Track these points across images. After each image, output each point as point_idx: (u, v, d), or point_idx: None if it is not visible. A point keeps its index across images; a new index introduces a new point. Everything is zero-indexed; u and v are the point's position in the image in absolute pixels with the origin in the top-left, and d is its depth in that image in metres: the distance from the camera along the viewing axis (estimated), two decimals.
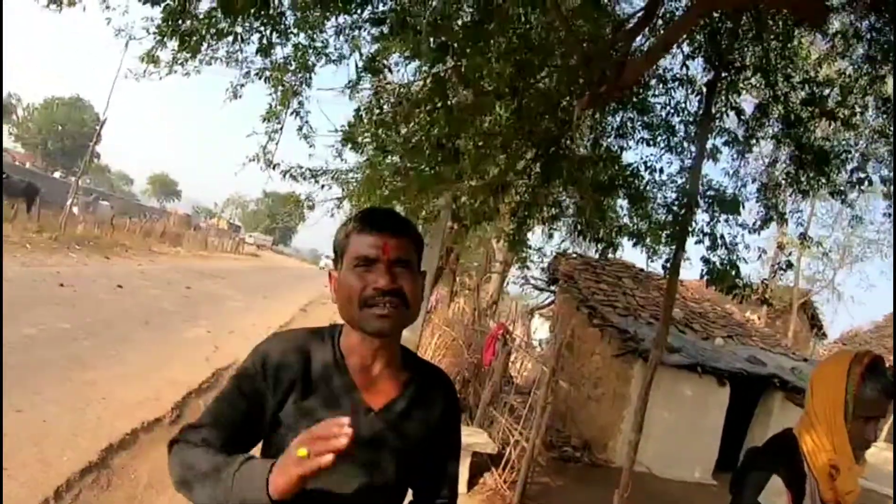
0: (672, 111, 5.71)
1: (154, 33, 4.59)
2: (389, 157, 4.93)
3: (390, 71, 4.56)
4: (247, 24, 4.29)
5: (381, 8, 4.18)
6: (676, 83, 5.67)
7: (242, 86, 5.28)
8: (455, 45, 3.32)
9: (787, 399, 9.12)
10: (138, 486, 4.50)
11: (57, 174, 46.93)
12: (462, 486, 6.15)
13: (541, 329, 15.60)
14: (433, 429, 1.51)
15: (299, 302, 19.27)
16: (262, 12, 3.70)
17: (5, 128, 51.28)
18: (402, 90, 4.53)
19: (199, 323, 10.98)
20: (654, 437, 7.98)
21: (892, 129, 5.25)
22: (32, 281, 10.17)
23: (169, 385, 6.77)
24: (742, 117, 5.54)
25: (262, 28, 4.16)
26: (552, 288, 12.90)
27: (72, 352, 6.93)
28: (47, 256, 13.53)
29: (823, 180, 5.50)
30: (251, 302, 16.09)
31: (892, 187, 5.49)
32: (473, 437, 6.48)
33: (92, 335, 7.89)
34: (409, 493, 1.60)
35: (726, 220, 5.33)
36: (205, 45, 4.32)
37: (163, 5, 3.99)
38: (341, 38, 4.87)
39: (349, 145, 4.59)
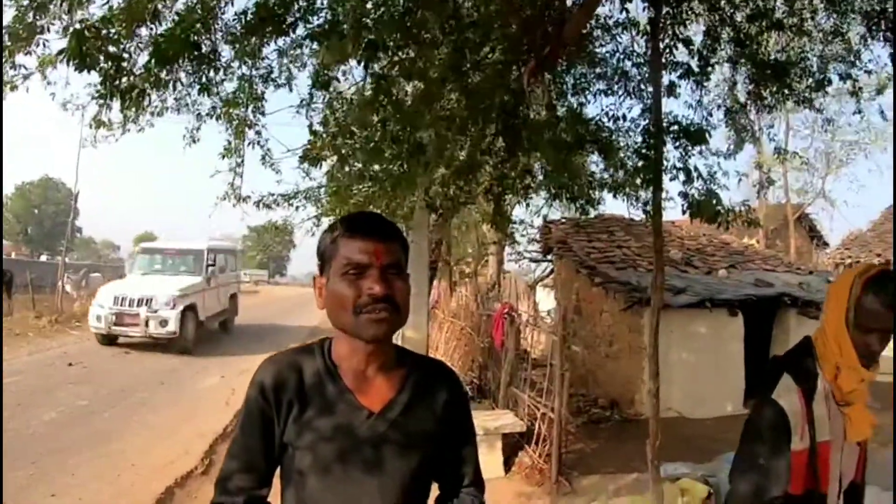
0: (622, 57, 5.71)
1: (95, 98, 4.59)
2: (349, 164, 4.93)
3: (338, 80, 4.57)
4: (186, 69, 4.29)
5: (316, 22, 4.18)
6: (620, 28, 5.66)
7: (198, 129, 5.29)
8: (386, 40, 3.32)
9: (802, 314, 9.16)
10: None
11: (43, 257, 46.75)
12: (499, 468, 6.18)
13: (546, 300, 15.62)
14: (440, 419, 1.51)
15: (306, 327, 19.26)
16: (195, 54, 3.69)
17: None
18: (353, 96, 4.53)
19: (211, 371, 11.07)
20: (677, 380, 8.02)
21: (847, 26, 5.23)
22: (42, 367, 10.27)
23: (195, 437, 6.84)
24: (691, 47, 5.53)
25: (198, 69, 4.14)
26: (548, 257, 12.93)
27: (95, 426, 7.01)
28: (51, 340, 13.62)
29: (786, 91, 5.50)
30: (259, 339, 16.06)
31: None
32: (500, 419, 6.51)
33: (110, 406, 7.99)
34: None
35: (700, 152, 5.34)
36: (146, 98, 4.31)
37: (97, 68, 3.99)
38: (285, 59, 4.90)
39: (307, 163, 4.59)
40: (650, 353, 4.77)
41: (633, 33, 5.70)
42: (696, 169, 5.02)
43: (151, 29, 3.99)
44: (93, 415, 7.49)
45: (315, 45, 4.43)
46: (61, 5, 3.84)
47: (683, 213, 4.77)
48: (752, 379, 8.90)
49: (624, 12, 5.48)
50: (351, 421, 1.40)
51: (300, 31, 4.14)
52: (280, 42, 4.70)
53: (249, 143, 4.91)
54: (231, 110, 4.57)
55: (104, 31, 3.75)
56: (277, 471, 1.48)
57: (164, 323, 12.49)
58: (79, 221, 50.77)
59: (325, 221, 7.48)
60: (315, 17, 4.15)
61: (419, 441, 1.46)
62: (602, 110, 5.73)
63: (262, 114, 4.72)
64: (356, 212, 1.90)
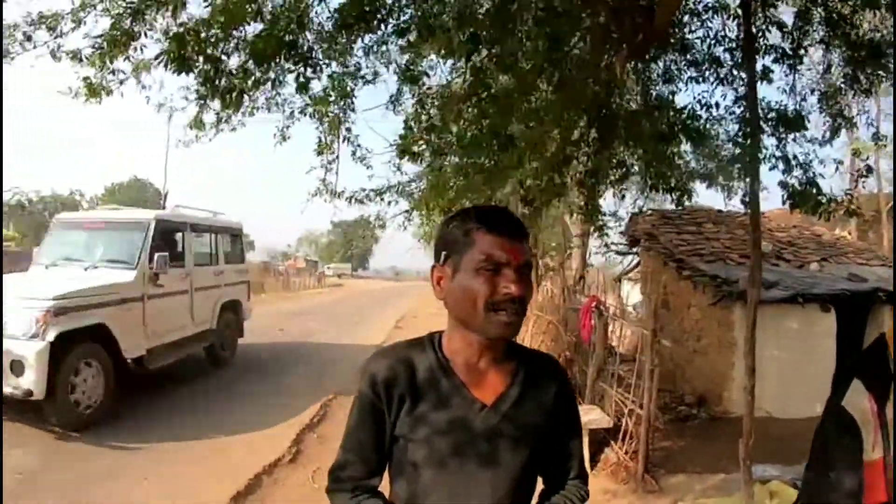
0: (713, 42, 5.53)
1: (195, 99, 4.80)
2: (448, 158, 4.96)
3: (427, 75, 4.61)
4: (279, 68, 4.43)
5: (401, 18, 4.23)
6: (710, 13, 5.49)
7: (288, 127, 5.46)
8: (484, 33, 3.32)
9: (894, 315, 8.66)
10: None
11: None
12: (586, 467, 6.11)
13: (632, 293, 15.34)
14: (549, 413, 1.51)
15: (390, 320, 19.53)
16: (293, 53, 3.80)
17: None
18: (445, 91, 4.57)
19: (300, 362, 11.26)
20: (767, 378, 7.70)
21: None
22: None
23: (283, 425, 7.01)
24: (784, 30, 5.30)
25: (294, 67, 4.27)
26: (635, 250, 12.68)
27: (185, 414, 7.31)
28: None
29: (882, 74, 5.21)
30: (343, 331, 16.31)
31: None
32: (587, 415, 6.43)
33: (202, 392, 8.39)
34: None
35: (794, 140, 5.13)
36: (245, 98, 4.47)
37: (197, 70, 4.17)
38: (371, 57, 4.99)
39: (405, 157, 4.65)
40: (746, 349, 4.65)
41: (724, 17, 5.52)
42: (794, 157, 4.84)
43: (244, 30, 4.14)
44: (178, 402, 7.87)
45: (402, 42, 4.50)
46: (160, 11, 4.02)
47: (783, 203, 4.60)
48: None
49: None
50: (466, 414, 1.42)
51: (390, 27, 4.22)
52: (367, 39, 4.81)
53: (345, 140, 5.03)
54: (323, 107, 4.68)
55: (203, 34, 3.90)
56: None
57: (18, 369, 6.03)
58: None
59: (416, 216, 7.58)
60: (403, 14, 4.22)
61: (530, 434, 1.47)
62: (694, 98, 5.57)
63: (353, 110, 4.82)
64: (486, 206, 1.90)
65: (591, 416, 6.39)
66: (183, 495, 4.93)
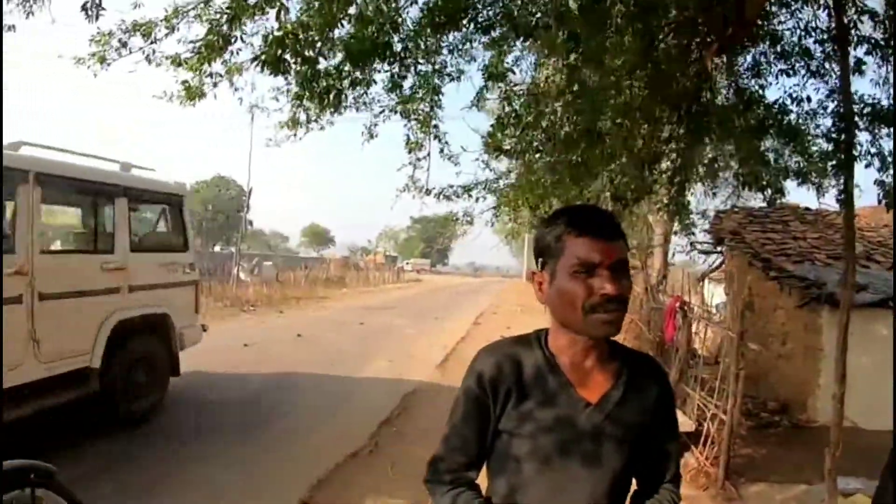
0: (803, 34, 5.33)
1: (290, 100, 4.97)
2: (541, 155, 4.97)
3: (513, 72, 4.65)
4: (371, 68, 4.56)
5: (485, 14, 4.29)
6: (800, 3, 5.30)
7: (376, 125, 5.59)
8: (579, 30, 3.35)
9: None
10: None
11: (217, 247, 51.01)
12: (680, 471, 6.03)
13: (715, 294, 14.92)
14: (650, 413, 1.52)
15: (470, 316, 19.57)
16: (388, 52, 3.91)
17: None
18: (532, 87, 4.61)
19: (379, 355, 11.40)
20: (854, 386, 7.31)
21: None
22: (219, 347, 10.81)
23: (362, 418, 7.12)
24: (877, 19, 5.07)
25: (387, 67, 4.38)
26: (719, 249, 12.35)
27: (266, 406, 7.47)
28: (224, 322, 14.48)
29: None
30: (423, 326, 16.46)
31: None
32: None
33: (280, 388, 8.45)
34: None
35: (888, 135, 4.90)
36: (342, 97, 4.59)
37: (293, 72, 4.34)
38: (455, 54, 5.06)
39: (495, 154, 4.70)
40: (837, 354, 4.48)
41: (815, 7, 5.31)
42: (890, 154, 4.65)
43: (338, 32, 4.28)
44: (265, 394, 7.98)
45: (486, 39, 4.57)
46: (256, 15, 4.21)
47: (879, 202, 4.42)
48: None
49: None
50: (572, 412, 1.45)
51: (474, 25, 4.30)
52: (452, 37, 4.89)
53: (436, 137, 5.12)
54: (413, 105, 4.79)
55: (301, 35, 4.07)
56: None
57: None
58: (250, 215, 54.89)
59: (504, 212, 7.62)
60: (488, 11, 4.29)
61: (633, 434, 1.48)
62: (785, 92, 5.40)
63: (440, 107, 4.91)
64: (577, 206, 1.93)
65: None
66: None
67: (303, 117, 5.18)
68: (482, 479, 1.55)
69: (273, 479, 5.20)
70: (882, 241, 10.43)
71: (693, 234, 8.09)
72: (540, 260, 1.48)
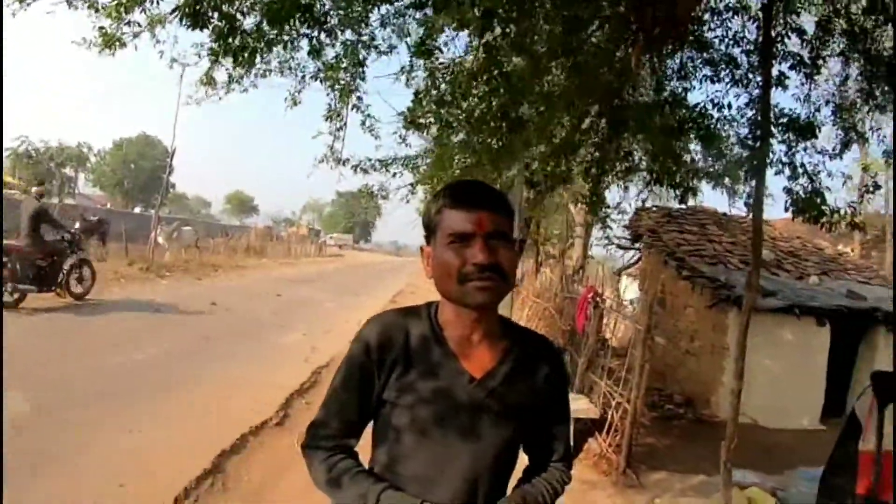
0: (731, 43, 5.48)
1: (208, 55, 4.78)
2: (455, 134, 4.95)
3: (440, 51, 4.58)
4: (294, 31, 4.41)
5: None
6: (731, 13, 5.44)
7: (300, 91, 5.43)
8: (500, 11, 3.30)
9: (892, 332, 8.65)
10: (252, 487, 4.69)
11: (137, 209, 49.32)
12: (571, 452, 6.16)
13: (630, 288, 15.39)
14: (538, 394, 1.52)
15: (388, 294, 19.72)
16: (308, 16, 3.78)
17: (82, 175, 54.20)
18: (455, 67, 4.55)
19: (294, 327, 11.31)
20: (756, 386, 7.75)
21: None
22: (131, 311, 10.66)
23: (272, 389, 7.01)
24: (804, 38, 5.26)
25: (308, 31, 4.25)
26: (636, 245, 12.69)
27: (178, 371, 7.27)
28: (141, 286, 14.16)
29: None
30: (341, 301, 16.46)
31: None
32: (574, 404, 6.45)
33: (194, 353, 8.28)
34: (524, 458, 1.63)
35: (805, 149, 5.11)
36: (257, 57, 4.45)
37: (211, 27, 4.15)
38: (387, 28, 4.96)
39: (413, 129, 4.64)
40: (736, 353, 4.66)
41: (745, 19, 5.47)
42: (801, 165, 4.83)
43: None
44: (177, 361, 7.76)
45: (419, 15, 4.48)
46: None
47: (786, 210, 4.60)
48: (832, 395, 8.52)
49: None
50: (453, 385, 1.43)
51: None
52: (384, 10, 4.78)
53: (353, 107, 5.02)
54: (335, 74, 4.67)
55: None
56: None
57: None
58: (173, 178, 53.07)
59: (420, 189, 7.58)
60: None
61: (515, 412, 1.48)
62: (707, 97, 5.55)
63: (364, 79, 4.81)
64: (459, 180, 1.91)
65: (579, 406, 6.42)
66: None
67: (223, 76, 5.01)
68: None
69: (178, 446, 5.06)
70: (793, 251, 10.96)
71: (609, 227, 8.31)
72: (426, 235, 1.48)
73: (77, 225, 12.19)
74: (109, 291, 12.50)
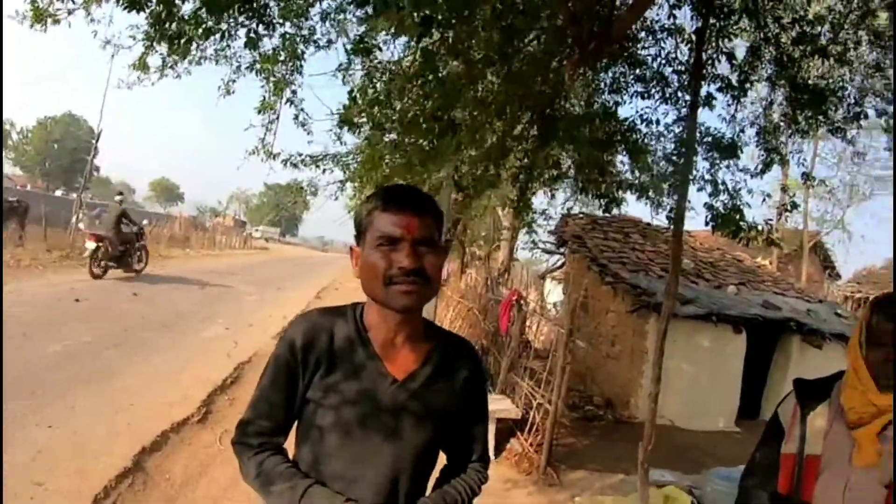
0: (664, 62, 5.69)
1: (142, 40, 4.63)
2: (387, 134, 4.97)
3: (380, 49, 4.59)
4: (232, 20, 4.33)
5: None
6: (665, 34, 5.65)
7: (234, 81, 5.32)
8: (440, 16, 3.34)
9: (805, 342, 9.16)
10: (173, 485, 4.61)
11: (58, 192, 47.01)
12: (489, 452, 6.24)
13: (554, 292, 15.66)
14: (458, 396, 1.56)
15: (312, 290, 19.42)
16: (247, 6, 3.72)
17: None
18: (393, 67, 4.56)
19: (216, 321, 11.04)
20: (674, 390, 8.06)
21: (889, 62, 5.22)
22: (49, 300, 10.23)
23: (194, 384, 6.86)
24: (734, 62, 5.52)
25: (247, 22, 4.18)
26: (562, 250, 12.94)
27: (98, 363, 7.01)
28: (60, 274, 13.57)
29: (821, 118, 5.49)
30: (265, 294, 16.20)
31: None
32: (497, 404, 6.56)
33: (115, 345, 7.98)
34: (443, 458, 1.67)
35: (727, 167, 5.34)
36: (193, 45, 4.35)
37: (148, 11, 4.04)
38: (327, 23, 4.92)
39: (346, 127, 4.63)
40: (654, 357, 4.82)
41: (678, 40, 5.69)
42: (723, 182, 5.05)
43: None
44: (97, 352, 7.49)
45: (360, 13, 4.47)
46: None
47: (706, 224, 4.80)
48: (747, 399, 8.95)
49: (671, 18, 5.47)
50: (375, 387, 1.46)
51: None
52: (325, 5, 4.75)
53: (286, 102, 4.96)
54: (271, 66, 4.61)
55: None
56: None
57: None
58: (97, 161, 50.77)
59: (350, 187, 7.55)
60: None
61: (436, 414, 1.51)
62: (637, 112, 5.74)
63: (301, 73, 4.76)
64: (392, 185, 1.94)
65: (501, 406, 6.53)
66: None
67: (156, 61, 4.86)
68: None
69: (98, 443, 4.89)
70: (713, 261, 11.44)
71: (535, 232, 8.49)
72: (356, 235, 1.50)
73: None
74: (28, 279, 11.91)
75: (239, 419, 1.55)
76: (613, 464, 6.29)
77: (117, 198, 15.52)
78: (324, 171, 7.27)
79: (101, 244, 13.44)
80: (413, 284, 1.39)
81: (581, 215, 11.72)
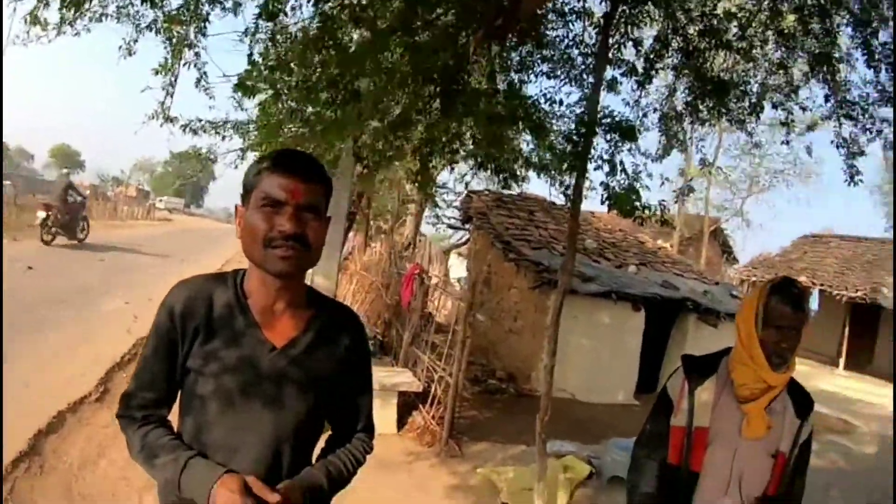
0: (571, 44, 5.80)
1: None
2: (284, 102, 4.86)
3: (286, 14, 4.47)
4: None
5: None
6: (574, 16, 5.75)
7: (135, 41, 5.07)
8: None
9: (701, 321, 9.69)
10: (71, 468, 4.47)
11: None
12: (392, 425, 6.32)
13: (458, 267, 15.80)
14: (340, 364, 1.57)
15: (216, 262, 18.78)
16: None
17: None
18: (298, 33, 4.45)
19: (116, 295, 10.63)
20: (575, 364, 8.37)
21: (793, 61, 5.47)
22: None
23: (92, 361, 6.63)
24: (640, 49, 5.67)
25: None
26: (466, 226, 13.09)
27: None
28: None
29: (722, 109, 5.69)
30: (168, 267, 15.67)
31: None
32: (398, 377, 6.64)
33: (7, 322, 7.52)
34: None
35: (629, 150, 5.53)
36: (86, 2, 4.10)
37: None
38: None
39: (241, 92, 4.50)
40: (551, 332, 4.96)
41: (586, 23, 5.78)
42: (621, 163, 5.23)
43: None
44: None
45: None
46: None
47: (602, 203, 4.98)
48: (645, 373, 9.42)
49: (581, 1, 5.58)
50: (255, 354, 1.46)
51: None
52: None
53: (186, 64, 4.76)
54: (172, 26, 4.42)
55: None
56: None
57: None
58: None
59: (251, 155, 7.39)
60: None
61: (317, 381, 1.52)
62: (541, 91, 5.84)
63: (204, 35, 4.58)
64: (286, 149, 1.93)
65: (402, 379, 6.60)
66: None
67: (51, 17, 4.55)
68: None
69: None
70: (615, 242, 11.89)
71: (438, 206, 8.55)
72: (243, 195, 1.48)
73: None
74: None
75: (123, 391, 1.53)
76: (515, 436, 6.46)
77: (64, 170, 18.28)
78: (223, 137, 7.14)
79: (49, 213, 14.56)
80: (292, 250, 1.39)
81: (486, 192, 11.86)
